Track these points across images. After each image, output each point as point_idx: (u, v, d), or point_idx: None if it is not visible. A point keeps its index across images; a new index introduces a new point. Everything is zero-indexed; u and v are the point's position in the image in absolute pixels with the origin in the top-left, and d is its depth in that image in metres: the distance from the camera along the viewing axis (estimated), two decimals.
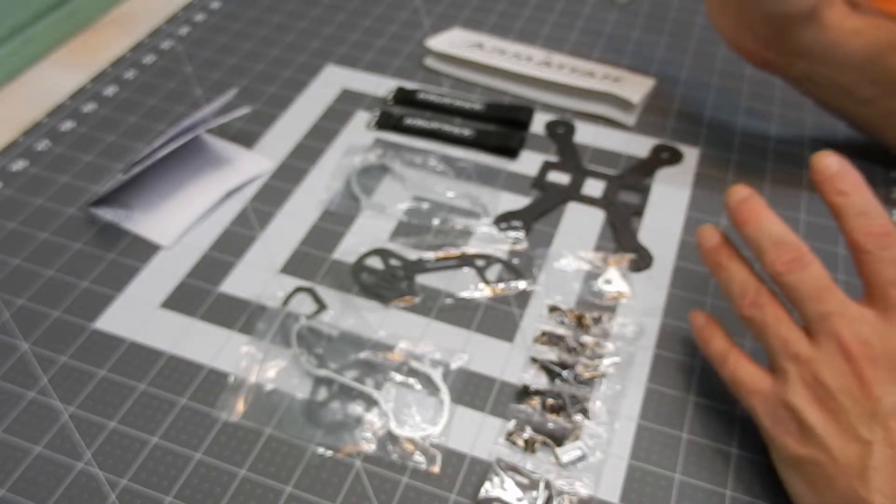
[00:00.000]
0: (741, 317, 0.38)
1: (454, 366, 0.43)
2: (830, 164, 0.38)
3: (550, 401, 0.42)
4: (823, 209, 0.53)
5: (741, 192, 0.39)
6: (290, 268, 0.49)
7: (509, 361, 0.44)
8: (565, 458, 0.39)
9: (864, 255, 0.36)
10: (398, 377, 0.43)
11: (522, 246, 0.50)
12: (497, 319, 0.46)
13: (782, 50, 0.50)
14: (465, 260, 0.49)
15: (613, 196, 0.54)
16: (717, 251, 0.40)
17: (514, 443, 0.40)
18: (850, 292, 0.36)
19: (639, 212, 0.53)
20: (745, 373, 0.38)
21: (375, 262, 0.49)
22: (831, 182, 0.38)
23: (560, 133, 0.59)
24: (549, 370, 0.43)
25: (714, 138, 0.59)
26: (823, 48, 0.48)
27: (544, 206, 0.53)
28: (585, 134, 0.59)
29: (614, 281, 0.48)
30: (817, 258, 0.37)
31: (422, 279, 0.48)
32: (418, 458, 0.39)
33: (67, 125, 0.60)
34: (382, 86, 0.64)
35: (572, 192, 0.54)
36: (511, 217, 0.52)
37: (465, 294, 0.47)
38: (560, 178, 0.55)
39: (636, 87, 0.60)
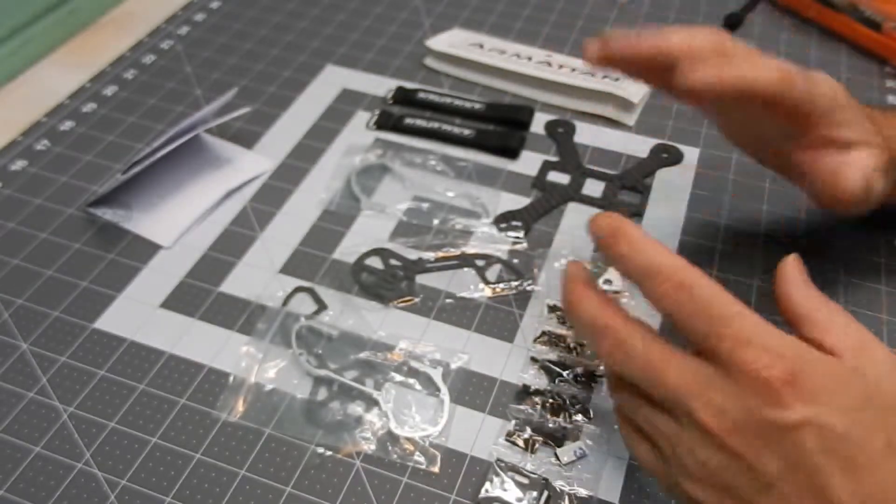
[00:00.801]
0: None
1: (454, 366, 0.43)
2: (602, 225, 0.35)
3: (550, 401, 0.42)
4: (823, 209, 0.53)
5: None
6: (290, 268, 0.49)
7: (509, 361, 0.44)
8: (565, 459, 0.39)
9: (670, 317, 0.32)
10: (398, 377, 0.43)
11: (522, 246, 0.50)
12: (497, 319, 0.46)
13: None
14: (465, 260, 0.49)
15: (613, 196, 0.54)
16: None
17: (514, 443, 0.40)
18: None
19: (639, 212, 0.53)
20: (637, 449, 0.35)
21: (375, 262, 0.49)
22: (607, 247, 0.34)
23: (560, 133, 0.59)
24: (550, 370, 0.43)
25: (714, 138, 0.59)
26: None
27: (544, 207, 0.53)
28: (585, 134, 0.59)
29: (614, 281, 0.47)
30: (642, 330, 0.33)
31: (422, 279, 0.48)
32: (418, 458, 0.39)
33: (67, 125, 0.60)
34: (382, 86, 0.64)
35: (572, 193, 0.54)
36: (511, 217, 0.52)
37: (465, 294, 0.47)
38: (560, 178, 0.55)
39: (636, 87, 0.60)
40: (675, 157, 0.57)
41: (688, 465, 0.32)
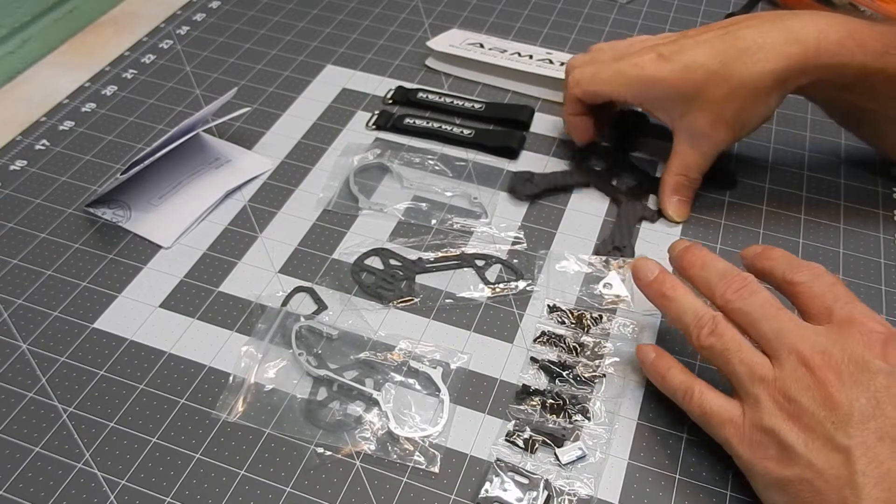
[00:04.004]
0: (699, 347, 0.38)
1: (454, 366, 0.43)
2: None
3: (550, 401, 0.42)
4: (823, 209, 0.53)
5: (682, 243, 0.42)
6: (290, 268, 0.49)
7: (509, 361, 0.44)
8: (565, 459, 0.39)
9: (801, 286, 0.38)
10: (398, 377, 0.43)
11: (522, 246, 0.50)
12: (497, 319, 0.46)
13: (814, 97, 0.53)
14: (465, 260, 0.49)
15: (632, 196, 0.53)
16: (661, 282, 0.40)
17: (513, 443, 0.40)
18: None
19: (651, 219, 0.52)
20: (713, 404, 0.37)
21: (375, 262, 0.49)
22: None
23: (630, 120, 0.58)
24: (549, 370, 0.43)
25: None
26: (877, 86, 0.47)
27: (564, 181, 0.54)
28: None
29: (615, 285, 0.47)
30: (761, 287, 0.38)
31: (421, 279, 0.48)
32: (418, 458, 0.39)
33: (66, 124, 0.60)
34: (382, 86, 0.64)
35: (598, 180, 0.54)
36: (529, 176, 0.53)
37: (464, 294, 0.47)
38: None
39: None
40: (727, 182, 0.56)
41: (780, 402, 0.35)
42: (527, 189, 0.53)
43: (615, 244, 0.50)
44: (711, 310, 0.39)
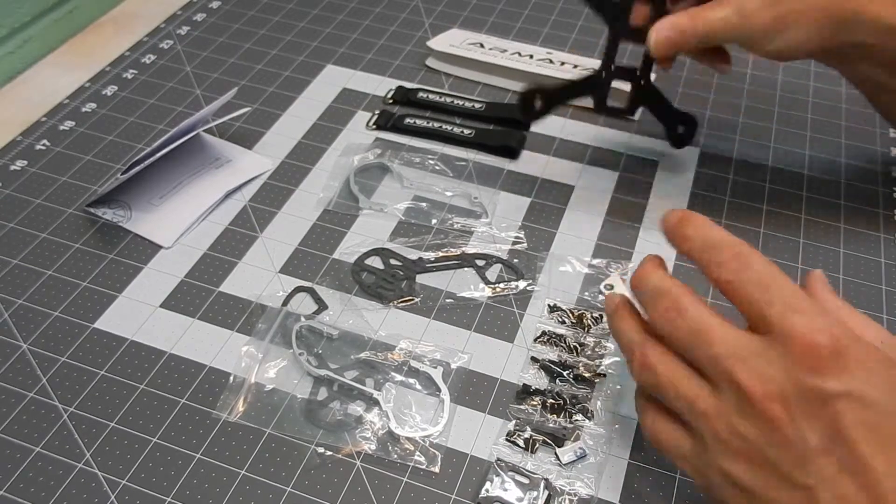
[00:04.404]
0: (637, 381, 0.36)
1: (454, 366, 0.43)
2: (672, 217, 0.36)
3: (551, 401, 0.42)
4: (823, 209, 0.53)
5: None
6: (290, 268, 0.49)
7: (509, 361, 0.44)
8: (566, 458, 0.39)
9: (727, 285, 0.33)
10: (398, 377, 0.43)
11: (522, 246, 0.50)
12: (497, 319, 0.46)
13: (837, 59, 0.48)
14: (466, 260, 0.49)
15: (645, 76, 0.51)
16: (613, 314, 0.38)
17: (514, 443, 0.40)
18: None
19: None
20: (665, 435, 0.35)
21: (375, 262, 0.49)
22: (674, 231, 0.36)
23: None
24: (550, 370, 0.43)
25: (715, 137, 0.59)
26: (881, 41, 0.45)
27: (570, 92, 0.52)
28: (587, 130, 0.59)
29: (616, 285, 0.47)
30: (697, 299, 0.34)
31: (422, 279, 0.48)
32: (418, 458, 0.39)
33: (67, 124, 0.60)
34: (382, 85, 0.64)
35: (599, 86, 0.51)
36: (540, 93, 0.51)
37: (465, 294, 0.47)
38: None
39: None
40: None
41: (726, 440, 0.31)
42: (535, 114, 0.51)
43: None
44: (643, 340, 0.35)
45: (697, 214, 0.36)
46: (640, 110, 0.58)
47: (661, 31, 0.45)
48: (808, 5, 0.44)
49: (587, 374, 0.43)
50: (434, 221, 0.52)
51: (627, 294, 0.47)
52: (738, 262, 0.33)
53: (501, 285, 0.48)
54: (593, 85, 0.51)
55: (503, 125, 0.59)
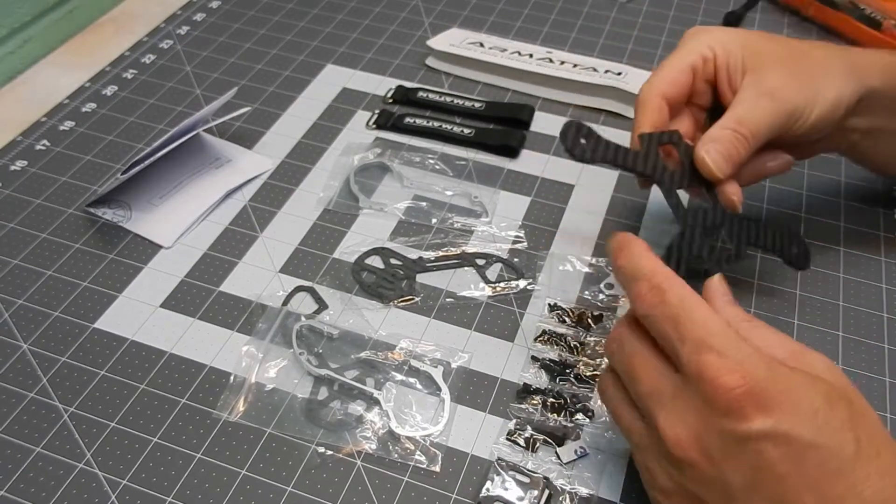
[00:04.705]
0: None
1: (455, 365, 0.43)
2: (612, 243, 0.36)
3: (551, 400, 0.42)
4: (823, 208, 0.53)
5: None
6: (291, 267, 0.49)
7: (510, 360, 0.44)
8: (566, 457, 0.39)
9: (645, 320, 0.33)
10: (399, 376, 0.43)
11: (523, 245, 0.50)
12: (498, 318, 0.46)
13: (831, 133, 0.44)
14: (466, 259, 0.49)
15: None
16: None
17: (514, 442, 0.40)
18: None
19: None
20: (623, 428, 0.36)
21: (376, 262, 0.49)
22: (611, 260, 0.36)
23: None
24: (550, 369, 0.43)
25: None
26: (867, 101, 0.43)
27: (628, 162, 0.42)
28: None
29: (616, 286, 0.47)
30: (637, 332, 0.34)
31: (422, 278, 0.48)
32: (419, 457, 0.39)
33: (67, 124, 0.60)
34: (382, 85, 0.64)
35: (667, 178, 0.42)
36: (585, 132, 0.43)
37: (465, 293, 0.47)
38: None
39: (640, 81, 0.60)
40: None
41: (656, 476, 0.33)
42: (579, 151, 0.42)
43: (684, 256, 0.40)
44: (604, 372, 0.37)
45: (635, 242, 0.35)
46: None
47: (708, 146, 0.41)
48: (819, 63, 0.43)
49: (587, 373, 0.43)
50: (434, 221, 0.52)
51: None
52: (653, 296, 0.33)
53: (502, 284, 0.48)
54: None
55: (503, 124, 0.59)
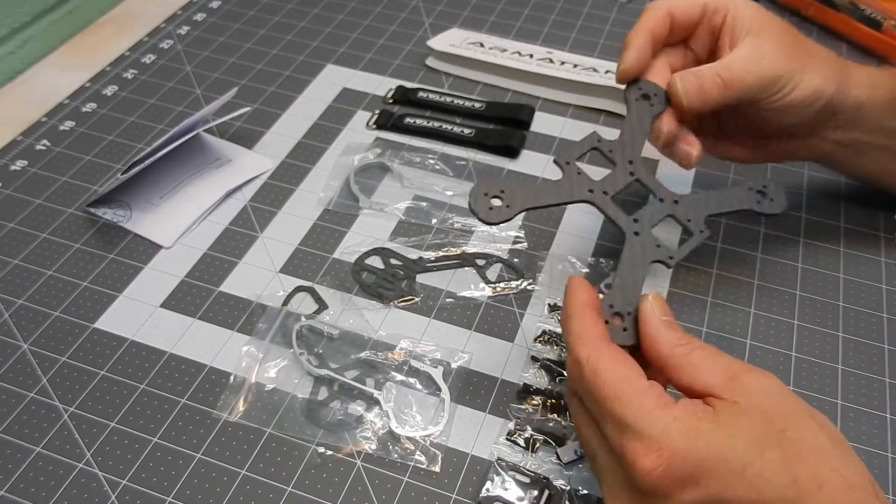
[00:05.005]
0: None
1: (455, 365, 0.43)
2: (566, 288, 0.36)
3: (551, 400, 0.42)
4: (823, 208, 0.53)
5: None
6: (291, 267, 0.49)
7: (510, 361, 0.44)
8: (566, 458, 0.39)
9: (572, 395, 0.35)
10: (399, 377, 0.43)
11: (523, 245, 0.50)
12: (498, 319, 0.46)
13: (806, 136, 0.47)
14: (466, 259, 0.49)
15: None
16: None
17: (514, 442, 0.40)
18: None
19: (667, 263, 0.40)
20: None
21: (376, 262, 0.49)
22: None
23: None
24: (550, 369, 0.43)
25: None
26: (850, 113, 0.45)
27: (550, 200, 0.40)
28: (587, 129, 0.59)
29: None
30: (572, 398, 0.35)
31: (422, 278, 0.48)
32: (419, 457, 0.39)
33: (67, 124, 0.60)
34: (382, 85, 0.64)
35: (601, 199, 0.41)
36: (497, 191, 0.40)
37: (465, 293, 0.47)
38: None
39: None
40: None
41: (624, 489, 0.32)
42: (492, 216, 0.39)
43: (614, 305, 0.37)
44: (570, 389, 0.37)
45: (574, 292, 0.35)
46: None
47: (685, 75, 0.43)
48: (816, 53, 0.44)
49: None
50: (434, 221, 0.52)
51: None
52: (574, 370, 0.33)
53: (502, 285, 0.48)
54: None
55: (503, 125, 0.59)
